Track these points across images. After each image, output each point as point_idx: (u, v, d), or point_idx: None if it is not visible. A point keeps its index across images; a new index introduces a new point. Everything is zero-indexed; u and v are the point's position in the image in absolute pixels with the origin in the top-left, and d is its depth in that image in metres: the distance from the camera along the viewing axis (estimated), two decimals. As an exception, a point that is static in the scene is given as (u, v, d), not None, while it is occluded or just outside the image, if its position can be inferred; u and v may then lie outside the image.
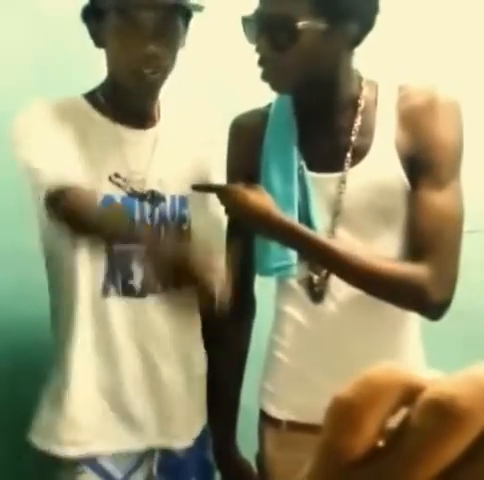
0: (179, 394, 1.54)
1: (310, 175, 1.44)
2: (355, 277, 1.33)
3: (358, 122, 1.42)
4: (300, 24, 1.30)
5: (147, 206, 1.48)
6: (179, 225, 1.52)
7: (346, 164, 1.41)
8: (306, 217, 1.42)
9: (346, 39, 1.36)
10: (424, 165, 1.36)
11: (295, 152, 1.45)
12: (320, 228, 1.41)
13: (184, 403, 1.55)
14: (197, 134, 1.60)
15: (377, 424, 0.27)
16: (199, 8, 1.43)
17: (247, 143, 1.51)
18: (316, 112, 1.46)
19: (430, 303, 1.31)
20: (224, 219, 1.52)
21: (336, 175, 1.42)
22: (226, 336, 1.60)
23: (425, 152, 1.36)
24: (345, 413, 0.27)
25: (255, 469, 1.61)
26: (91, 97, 1.52)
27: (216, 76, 2.04)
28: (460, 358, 1.91)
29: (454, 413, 0.25)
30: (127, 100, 1.49)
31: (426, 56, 1.95)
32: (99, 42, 1.45)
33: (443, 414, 0.26)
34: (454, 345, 2.01)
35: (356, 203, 1.40)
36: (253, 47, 1.37)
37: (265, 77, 1.38)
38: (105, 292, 1.45)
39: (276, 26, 1.32)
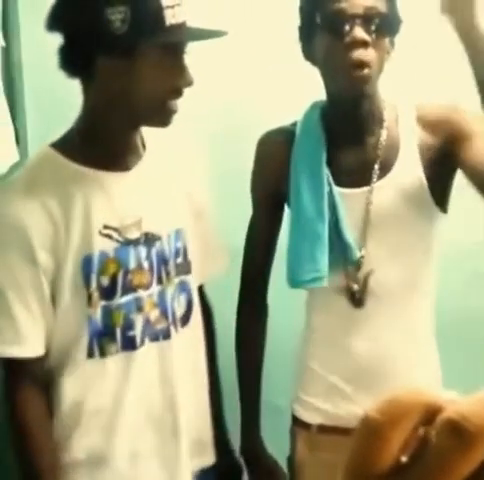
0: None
1: (338, 191, 1.49)
2: None
3: (384, 137, 1.47)
4: (388, 21, 1.41)
5: (143, 250, 1.42)
6: (175, 259, 1.47)
7: (374, 178, 1.46)
8: (337, 233, 1.48)
9: (391, 50, 1.45)
10: (460, 138, 1.40)
11: (324, 168, 1.49)
12: (351, 243, 1.47)
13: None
14: (181, 160, 1.54)
15: (401, 441, 0.31)
16: (224, 34, 1.39)
17: (276, 162, 1.55)
18: (347, 127, 1.50)
19: None
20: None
21: (364, 189, 1.47)
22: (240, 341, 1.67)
23: (457, 132, 1.41)
24: (374, 430, 0.31)
25: (285, 470, 1.66)
26: (63, 147, 1.40)
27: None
28: (474, 362, 1.93)
29: (468, 431, 0.29)
30: (110, 138, 1.39)
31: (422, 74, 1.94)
32: (107, 81, 1.33)
33: (458, 432, 0.29)
34: (468, 350, 2.02)
35: (384, 216, 1.47)
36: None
37: (359, 61, 1.37)
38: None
39: (374, 16, 1.38)
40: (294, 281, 1.53)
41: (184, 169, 1.53)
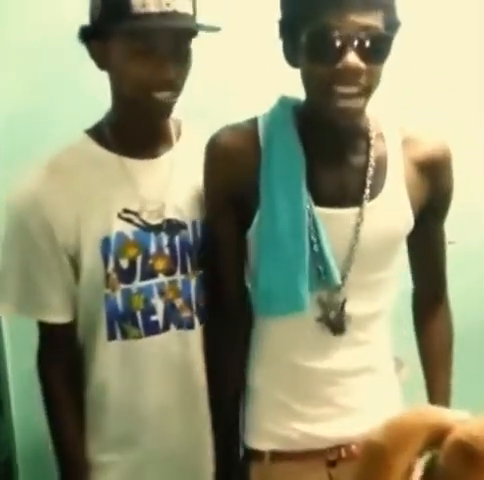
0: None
1: (320, 210, 1.33)
2: None
3: (373, 156, 1.36)
4: (390, 42, 1.22)
5: (165, 236, 1.43)
6: (201, 252, 1.47)
7: (365, 200, 1.34)
8: (319, 255, 1.34)
9: None
10: (440, 210, 1.47)
11: (304, 185, 1.32)
12: (333, 267, 1.34)
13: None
14: None
15: (406, 466, 0.29)
16: (216, 29, 1.36)
17: (239, 166, 1.36)
18: (331, 144, 1.35)
19: None
20: None
21: (352, 210, 1.34)
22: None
23: (442, 200, 1.45)
24: (378, 456, 0.29)
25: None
26: (96, 132, 1.45)
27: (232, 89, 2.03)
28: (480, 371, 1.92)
29: (479, 453, 0.27)
30: (136, 127, 1.43)
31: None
32: (103, 64, 1.37)
33: (468, 454, 0.27)
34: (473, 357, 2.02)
35: (371, 239, 1.36)
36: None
37: (348, 94, 1.22)
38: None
39: (372, 39, 1.19)
40: (269, 310, 1.39)
41: None
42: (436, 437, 0.29)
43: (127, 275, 1.42)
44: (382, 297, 1.44)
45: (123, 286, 1.42)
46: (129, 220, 1.41)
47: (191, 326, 1.47)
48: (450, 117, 2.22)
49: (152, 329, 1.44)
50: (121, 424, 1.48)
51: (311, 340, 1.41)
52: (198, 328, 1.48)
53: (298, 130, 1.35)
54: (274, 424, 1.45)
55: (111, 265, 1.40)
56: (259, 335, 1.47)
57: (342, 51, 1.19)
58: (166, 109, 1.38)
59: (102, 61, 1.37)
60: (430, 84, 2.26)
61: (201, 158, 1.43)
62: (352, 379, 1.44)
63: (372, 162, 1.36)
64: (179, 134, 1.51)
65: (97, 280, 1.41)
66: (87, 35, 1.36)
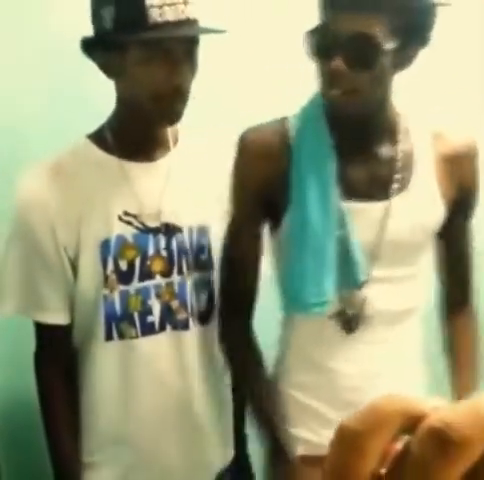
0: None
1: (349, 205, 1.35)
2: None
3: (400, 151, 1.37)
4: (384, 45, 1.22)
5: (162, 239, 1.46)
6: (198, 255, 1.49)
7: (392, 193, 1.35)
8: (346, 250, 1.35)
9: (406, 61, 1.29)
10: (467, 207, 1.46)
11: (334, 180, 1.34)
12: (360, 264, 1.35)
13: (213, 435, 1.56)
14: (216, 160, 1.53)
15: (380, 451, 0.29)
16: (222, 31, 1.37)
17: (271, 167, 1.37)
18: (358, 139, 1.37)
19: None
20: None
21: (380, 205, 1.36)
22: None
23: (468, 197, 1.45)
24: (350, 440, 0.29)
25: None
26: (97, 136, 1.48)
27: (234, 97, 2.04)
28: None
29: (453, 440, 0.27)
30: (137, 132, 1.45)
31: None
32: (114, 73, 1.39)
33: (442, 441, 0.27)
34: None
35: (398, 234, 1.36)
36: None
37: (336, 98, 1.27)
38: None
39: (359, 45, 1.21)
40: (298, 304, 1.38)
41: (220, 171, 1.50)
42: (410, 423, 0.29)
43: (126, 276, 1.44)
44: (409, 294, 1.42)
45: (122, 287, 1.44)
46: (129, 223, 1.43)
47: (186, 327, 1.48)
48: (449, 117, 2.20)
49: (148, 330, 1.46)
50: (115, 424, 1.49)
51: (330, 339, 1.41)
52: (193, 329, 1.49)
53: (329, 126, 1.37)
54: (305, 430, 1.45)
55: (110, 267, 1.42)
56: (285, 336, 1.48)
57: (332, 54, 1.22)
58: (177, 115, 1.40)
59: (113, 70, 1.38)
60: (429, 84, 2.25)
61: (197, 164, 1.49)
62: (376, 381, 1.41)
63: (400, 156, 1.37)
64: (176, 140, 1.52)
65: (96, 281, 1.43)
66: (94, 46, 1.37)
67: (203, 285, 1.51)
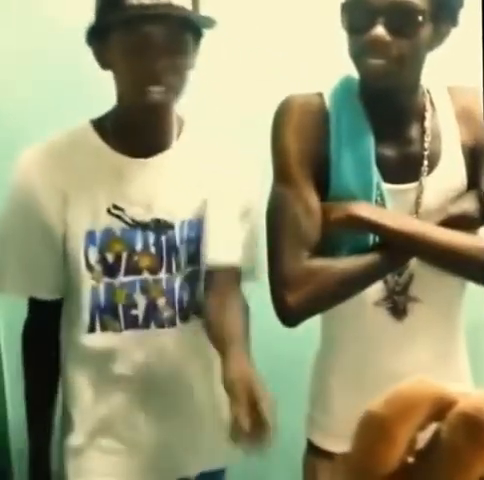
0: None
1: (386, 187, 1.33)
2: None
3: (429, 129, 1.35)
4: (425, 14, 1.22)
5: (152, 235, 1.43)
6: (187, 249, 1.46)
7: (423, 173, 1.33)
8: None
9: (438, 39, 1.28)
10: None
11: (373, 162, 1.31)
12: None
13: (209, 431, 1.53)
14: (213, 158, 1.50)
15: (408, 439, 0.28)
16: (210, 23, 1.35)
17: (313, 131, 1.33)
18: (391, 119, 1.35)
19: None
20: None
21: (412, 185, 1.34)
22: None
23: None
24: (378, 427, 0.27)
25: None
26: (99, 123, 1.45)
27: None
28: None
29: None
30: (133, 124, 1.42)
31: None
32: (105, 64, 1.37)
33: (474, 427, 0.26)
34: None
35: (431, 215, 1.33)
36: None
37: (378, 67, 1.24)
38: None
39: (402, 12, 1.21)
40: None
41: (220, 166, 1.48)
42: (439, 409, 0.28)
43: (111, 269, 1.42)
44: (452, 280, 1.36)
45: (107, 280, 1.42)
46: (118, 216, 1.41)
47: (172, 324, 1.46)
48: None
49: (132, 323, 1.44)
50: (94, 414, 1.48)
51: (372, 328, 1.38)
52: (180, 326, 1.47)
53: (363, 106, 1.35)
54: (348, 427, 1.40)
55: (94, 257, 1.41)
56: (331, 330, 1.44)
57: (371, 23, 1.21)
58: (160, 107, 1.37)
59: (103, 60, 1.37)
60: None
61: (200, 158, 1.46)
62: (424, 370, 1.34)
63: (428, 134, 1.35)
64: (180, 133, 1.48)
65: (78, 270, 1.41)
66: (90, 36, 1.37)
67: (191, 279, 1.48)
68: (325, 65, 1.62)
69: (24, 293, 1.49)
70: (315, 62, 1.87)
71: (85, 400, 1.47)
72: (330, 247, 1.31)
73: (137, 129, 1.42)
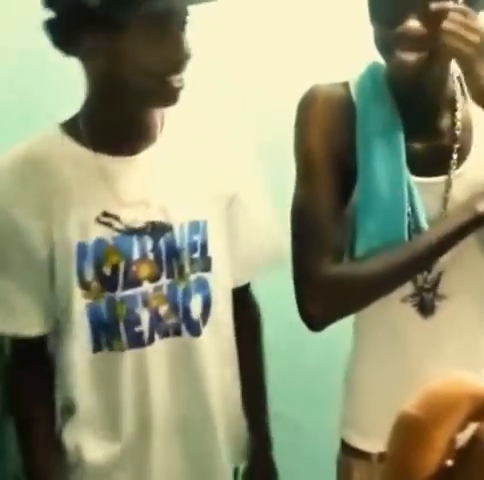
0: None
1: (415, 180, 1.29)
2: None
3: (460, 120, 1.32)
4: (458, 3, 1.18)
5: (149, 240, 1.32)
6: (190, 253, 1.35)
7: (453, 166, 1.31)
8: (415, 226, 1.29)
9: None
10: None
11: (403, 153, 1.28)
12: None
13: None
14: (208, 144, 1.41)
15: (447, 441, 0.27)
16: None
17: (339, 127, 1.31)
18: (421, 110, 1.32)
19: None
20: (272, 220, 1.44)
21: (440, 179, 1.31)
22: None
23: None
24: (415, 430, 0.26)
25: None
26: (70, 126, 1.33)
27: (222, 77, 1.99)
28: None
29: None
30: (118, 120, 1.31)
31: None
32: (92, 56, 1.24)
33: None
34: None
35: (459, 206, 1.29)
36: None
37: (411, 64, 1.20)
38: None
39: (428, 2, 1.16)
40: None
41: (214, 154, 1.40)
42: (478, 409, 0.27)
43: (110, 283, 1.33)
44: (482, 277, 1.34)
45: (107, 294, 1.33)
46: (109, 224, 1.32)
47: (178, 333, 1.38)
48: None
49: (136, 341, 1.35)
50: (104, 436, 1.40)
51: (399, 325, 1.35)
52: (185, 335, 1.38)
53: (391, 95, 1.32)
54: (383, 426, 1.38)
55: (90, 273, 1.32)
56: (363, 330, 1.42)
57: (403, 14, 1.17)
58: (177, 95, 1.28)
59: (92, 52, 1.24)
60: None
61: (188, 151, 1.37)
62: (455, 368, 1.32)
63: (459, 126, 1.32)
64: (161, 128, 1.37)
65: (71, 288, 1.32)
66: (72, 30, 1.23)
67: (198, 286, 1.38)
68: (338, 53, 1.62)
69: (4, 331, 1.37)
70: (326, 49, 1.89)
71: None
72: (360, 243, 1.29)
73: (122, 125, 1.32)
